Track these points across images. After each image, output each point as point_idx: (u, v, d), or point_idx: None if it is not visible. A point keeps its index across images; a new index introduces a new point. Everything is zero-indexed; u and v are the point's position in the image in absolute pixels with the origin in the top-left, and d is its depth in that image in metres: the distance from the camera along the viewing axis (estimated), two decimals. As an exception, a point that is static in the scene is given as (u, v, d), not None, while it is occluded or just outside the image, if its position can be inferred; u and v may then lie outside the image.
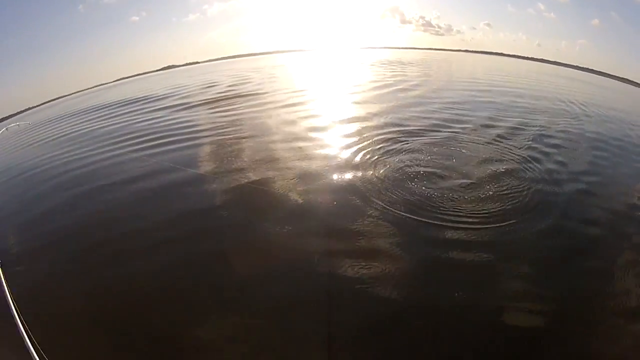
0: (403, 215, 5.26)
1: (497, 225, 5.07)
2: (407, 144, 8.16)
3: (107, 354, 3.69)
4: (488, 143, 8.47)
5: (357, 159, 7.46)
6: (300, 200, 6.01)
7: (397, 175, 6.52)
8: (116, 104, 22.92)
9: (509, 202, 5.65)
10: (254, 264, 4.65)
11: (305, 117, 11.99)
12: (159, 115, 15.05)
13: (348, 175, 6.73)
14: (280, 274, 4.50)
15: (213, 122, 12.09)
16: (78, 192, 7.55)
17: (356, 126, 10.19)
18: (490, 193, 5.85)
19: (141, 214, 6.21)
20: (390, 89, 18.03)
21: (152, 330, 3.95)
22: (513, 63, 61.95)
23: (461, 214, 5.27)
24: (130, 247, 5.25)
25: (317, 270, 4.48)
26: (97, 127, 15.42)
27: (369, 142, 8.44)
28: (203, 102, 17.10)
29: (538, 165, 7.18)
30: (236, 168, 7.49)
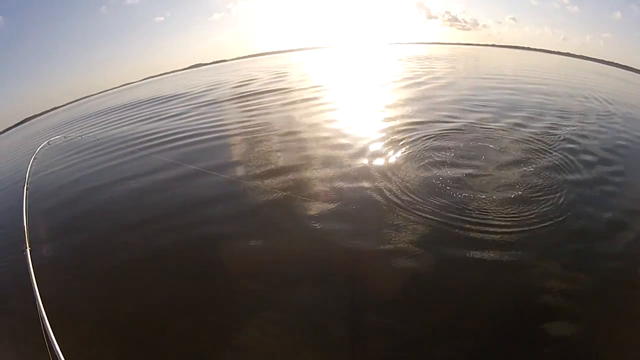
0: (428, 216, 5.00)
1: (528, 226, 4.70)
2: (434, 138, 7.98)
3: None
4: (516, 138, 8.05)
5: (383, 152, 7.42)
6: (322, 195, 5.92)
7: (422, 171, 6.37)
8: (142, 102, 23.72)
9: (538, 201, 5.29)
10: (274, 256, 4.65)
11: (331, 110, 12.18)
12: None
13: (371, 170, 6.61)
14: (302, 268, 4.42)
15: (241, 118, 12.26)
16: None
17: (382, 119, 10.10)
18: (519, 191, 5.53)
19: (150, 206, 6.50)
20: (415, 81, 17.97)
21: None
22: (541, 57, 60.01)
23: (487, 213, 4.97)
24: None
25: (339, 265, 4.39)
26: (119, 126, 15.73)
27: (394, 135, 8.34)
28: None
29: (568, 163, 6.70)
30: (259, 160, 7.69)
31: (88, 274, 4.98)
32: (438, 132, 8.32)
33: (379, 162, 6.97)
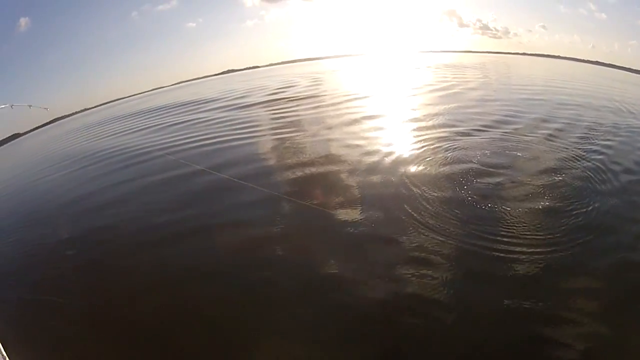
0: (451, 238, 4.49)
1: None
2: (463, 145, 7.65)
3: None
4: (546, 146, 7.61)
5: (408, 159, 7.11)
6: (346, 204, 5.62)
7: (446, 183, 5.94)
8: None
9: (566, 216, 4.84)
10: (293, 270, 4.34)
11: (361, 115, 12.06)
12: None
13: (394, 180, 6.22)
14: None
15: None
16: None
17: (411, 126, 9.96)
18: (545, 203, 5.13)
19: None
20: (448, 89, 17.76)
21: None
22: (571, 66, 58.74)
23: (514, 234, 4.49)
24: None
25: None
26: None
27: (422, 143, 8.07)
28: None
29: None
30: (286, 163, 7.64)
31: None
32: (463, 139, 8.10)
33: (401, 165, 6.83)
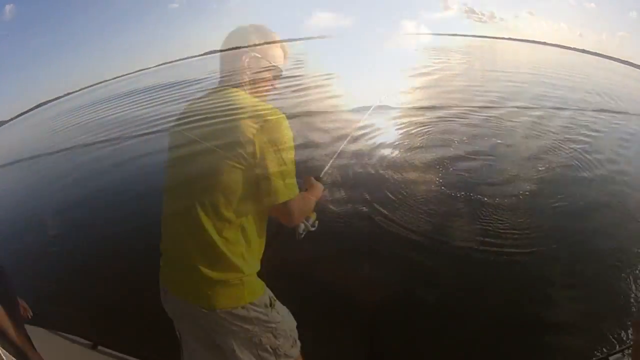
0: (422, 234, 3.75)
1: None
2: (437, 126, 7.32)
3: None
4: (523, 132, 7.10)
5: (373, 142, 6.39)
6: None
7: (420, 158, 5.48)
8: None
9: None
10: None
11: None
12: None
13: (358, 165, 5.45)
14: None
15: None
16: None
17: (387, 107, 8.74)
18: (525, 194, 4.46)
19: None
20: (428, 71, 16.68)
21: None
22: (556, 53, 56.97)
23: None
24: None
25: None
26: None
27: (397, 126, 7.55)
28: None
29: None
30: None
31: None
32: (442, 120, 7.82)
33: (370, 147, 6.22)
